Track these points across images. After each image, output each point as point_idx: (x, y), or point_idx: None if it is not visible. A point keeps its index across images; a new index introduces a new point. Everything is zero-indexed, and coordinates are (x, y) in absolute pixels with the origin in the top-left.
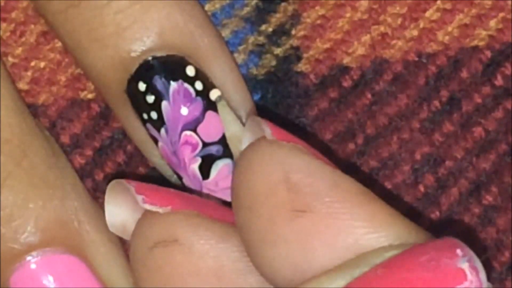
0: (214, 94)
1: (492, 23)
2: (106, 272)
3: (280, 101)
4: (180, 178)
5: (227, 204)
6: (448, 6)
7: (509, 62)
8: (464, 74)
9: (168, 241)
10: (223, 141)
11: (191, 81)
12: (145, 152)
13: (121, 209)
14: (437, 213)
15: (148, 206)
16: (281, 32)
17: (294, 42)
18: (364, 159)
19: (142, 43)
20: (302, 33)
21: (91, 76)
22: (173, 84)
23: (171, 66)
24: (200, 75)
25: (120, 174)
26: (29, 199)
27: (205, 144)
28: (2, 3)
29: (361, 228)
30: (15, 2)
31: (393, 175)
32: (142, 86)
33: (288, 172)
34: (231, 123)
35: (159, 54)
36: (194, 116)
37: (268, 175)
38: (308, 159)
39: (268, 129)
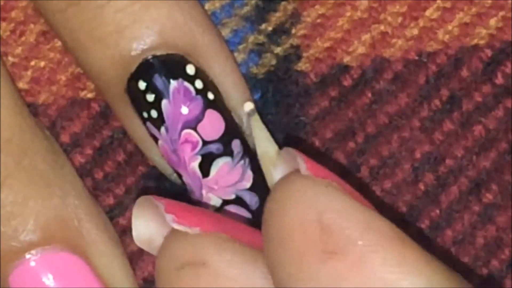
0: (248, 107)
1: (492, 21)
2: (106, 271)
3: (280, 100)
4: (180, 176)
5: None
6: (448, 4)
7: (510, 61)
8: (465, 72)
9: (196, 264)
10: (223, 139)
11: (191, 79)
12: (145, 150)
13: (148, 224)
14: (437, 211)
15: (177, 226)
16: (281, 31)
17: (294, 41)
18: (365, 157)
19: (142, 42)
20: (302, 32)
21: (92, 76)
22: (173, 83)
23: (171, 65)
24: (200, 73)
25: (120, 173)
26: (29, 198)
27: (205, 143)
28: (2, 3)
29: (392, 273)
30: (15, 2)
31: (393, 174)
32: (142, 85)
33: (322, 211)
34: (263, 140)
35: (159, 52)
36: (194, 115)
37: (301, 213)
38: (342, 198)
39: (303, 164)
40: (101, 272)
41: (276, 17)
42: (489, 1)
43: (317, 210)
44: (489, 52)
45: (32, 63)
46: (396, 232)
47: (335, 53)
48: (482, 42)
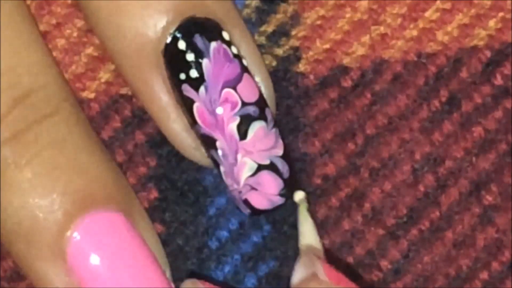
0: (299, 196)
1: (492, 23)
2: (145, 232)
3: (280, 102)
4: (210, 144)
5: None
6: (447, 6)
7: (509, 62)
8: (464, 74)
9: None
10: (259, 103)
11: (227, 44)
12: (168, 121)
13: None
14: (437, 213)
15: None
16: (281, 32)
17: (294, 42)
18: (364, 159)
19: (182, 3)
20: (302, 33)
21: (126, 39)
22: (213, 43)
23: (210, 27)
24: (233, 41)
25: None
26: (91, 156)
27: (243, 104)
28: None
29: None
30: None
31: (393, 175)
32: (182, 45)
33: None
34: (309, 232)
35: (198, 15)
36: (234, 75)
37: None
38: None
39: (321, 268)
40: (142, 233)
41: (276, 19)
42: (488, 3)
43: None
44: (488, 53)
45: None
46: None
47: (335, 54)
48: (481, 43)
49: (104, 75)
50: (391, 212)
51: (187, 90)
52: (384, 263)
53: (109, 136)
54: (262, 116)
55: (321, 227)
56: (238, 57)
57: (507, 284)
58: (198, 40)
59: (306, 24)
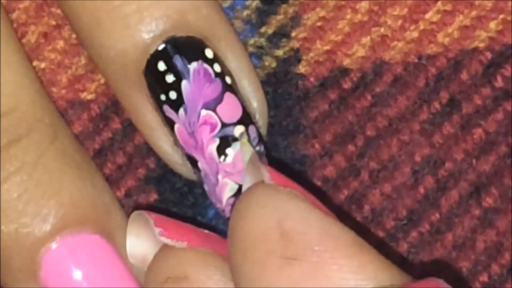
0: (238, 130)
1: (492, 24)
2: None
3: (280, 103)
4: (193, 164)
5: None
6: (448, 7)
7: (509, 64)
8: (464, 75)
9: (179, 277)
10: (242, 121)
11: (209, 62)
12: (154, 139)
13: (141, 240)
14: (437, 215)
15: (164, 240)
16: (281, 34)
17: (294, 44)
18: (364, 161)
19: (162, 22)
20: (302, 35)
21: (108, 58)
22: (194, 64)
23: (191, 47)
24: (217, 58)
25: (119, 176)
26: (63, 178)
27: (223, 125)
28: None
29: (347, 280)
30: (16, 3)
31: (393, 177)
32: (161, 66)
33: (282, 218)
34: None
35: (179, 34)
36: (214, 96)
37: (262, 221)
38: (303, 205)
39: (266, 174)
40: (123, 251)
41: (276, 20)
42: (489, 4)
43: (278, 217)
44: (489, 55)
45: (33, 64)
46: (354, 239)
47: (335, 56)
48: (482, 45)
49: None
50: (391, 214)
51: (168, 111)
52: None
53: (109, 138)
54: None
55: None
56: (220, 75)
57: (507, 287)
58: (178, 61)
59: (307, 25)
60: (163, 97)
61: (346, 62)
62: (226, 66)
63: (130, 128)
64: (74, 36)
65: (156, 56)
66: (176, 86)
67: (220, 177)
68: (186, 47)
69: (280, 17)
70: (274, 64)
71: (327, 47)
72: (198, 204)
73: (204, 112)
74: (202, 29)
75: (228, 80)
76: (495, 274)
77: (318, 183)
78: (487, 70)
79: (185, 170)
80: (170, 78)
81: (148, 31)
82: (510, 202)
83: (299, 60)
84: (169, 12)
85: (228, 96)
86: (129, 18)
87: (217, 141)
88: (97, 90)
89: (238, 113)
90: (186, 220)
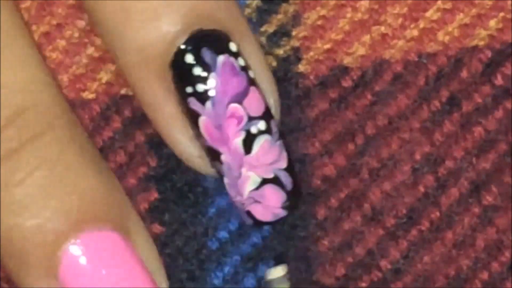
0: (276, 273)
1: (492, 22)
2: (144, 251)
3: (280, 102)
4: (214, 156)
5: None
6: (448, 6)
7: (509, 62)
8: (464, 74)
9: None
10: (265, 116)
11: (235, 56)
12: (173, 131)
13: None
14: (437, 213)
15: None
16: (282, 33)
17: (295, 43)
18: (364, 159)
19: (190, 15)
20: (302, 34)
21: (132, 49)
22: (221, 57)
23: (217, 40)
24: (240, 52)
25: (121, 175)
26: (84, 174)
27: (249, 118)
28: None
29: None
30: (17, 3)
31: (393, 175)
32: (189, 58)
33: None
34: None
35: (206, 27)
36: (241, 89)
37: None
38: None
39: None
40: (140, 251)
41: (277, 19)
42: (489, 2)
43: None
44: (489, 53)
45: None
46: None
47: (335, 54)
48: (482, 43)
49: (105, 76)
50: (391, 212)
51: (194, 103)
52: (384, 263)
53: (109, 137)
54: (267, 130)
55: (321, 227)
56: (245, 69)
57: (507, 285)
58: (206, 53)
59: (307, 24)
60: (189, 89)
61: (346, 60)
62: (247, 61)
63: (130, 127)
64: (75, 35)
65: (184, 48)
66: (204, 78)
67: (244, 170)
68: (213, 40)
69: (280, 16)
70: (274, 63)
71: (328, 46)
72: (198, 203)
73: (231, 105)
74: (225, 24)
75: (251, 74)
76: (495, 272)
77: (318, 182)
78: (487, 68)
79: (201, 163)
80: (197, 71)
81: (176, 23)
82: (510, 200)
83: (299, 59)
84: (196, 6)
85: (253, 90)
86: (158, 10)
87: (243, 134)
88: (98, 89)
89: (262, 107)
90: (186, 219)
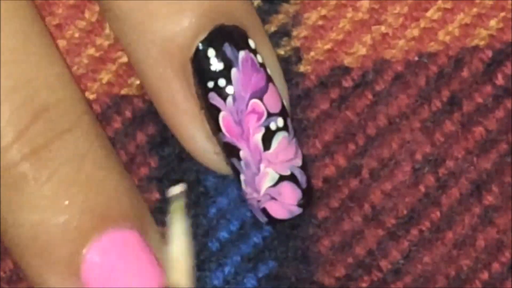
0: (176, 190)
1: (493, 22)
2: (159, 250)
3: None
4: (231, 152)
5: None
6: (449, 5)
7: (510, 62)
8: (465, 73)
9: None
10: (282, 113)
11: (254, 52)
12: (190, 127)
13: None
14: (438, 213)
15: None
16: (282, 33)
17: (295, 43)
18: (365, 159)
19: (212, 11)
20: (303, 34)
21: (152, 42)
22: (242, 52)
23: (238, 36)
24: (258, 49)
25: None
26: (108, 172)
27: (269, 114)
28: None
29: None
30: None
31: (394, 175)
32: (211, 53)
33: None
34: (178, 241)
35: (227, 23)
36: (261, 86)
37: None
38: None
39: None
40: (155, 249)
41: (277, 19)
42: (490, 2)
43: None
44: (489, 53)
45: None
46: None
47: (336, 54)
48: (482, 43)
49: (105, 76)
50: (392, 212)
51: (214, 98)
52: (384, 263)
53: (110, 137)
54: (285, 127)
55: (321, 228)
56: (263, 66)
57: (507, 285)
58: (228, 49)
59: (307, 24)
60: (210, 84)
61: (347, 60)
62: (264, 58)
63: (131, 127)
64: (75, 35)
65: (206, 43)
66: (225, 73)
67: (262, 166)
68: (234, 35)
69: (281, 16)
70: None
71: (328, 46)
72: (199, 203)
73: (252, 100)
74: (243, 21)
75: (269, 71)
76: (495, 272)
77: (319, 182)
78: (487, 68)
79: (217, 159)
80: (219, 66)
81: (197, 19)
82: (511, 200)
83: (300, 59)
84: (216, 3)
85: (271, 87)
86: (181, 6)
87: (263, 130)
88: (99, 90)
89: (279, 104)
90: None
